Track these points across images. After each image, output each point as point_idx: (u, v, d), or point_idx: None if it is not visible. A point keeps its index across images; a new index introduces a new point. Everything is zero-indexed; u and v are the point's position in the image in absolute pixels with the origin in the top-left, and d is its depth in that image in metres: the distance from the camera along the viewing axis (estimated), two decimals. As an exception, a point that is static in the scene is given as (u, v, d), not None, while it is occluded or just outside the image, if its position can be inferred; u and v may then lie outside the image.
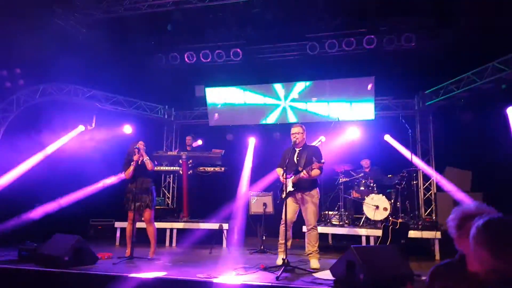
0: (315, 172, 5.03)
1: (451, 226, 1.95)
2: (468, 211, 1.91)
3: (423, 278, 4.94)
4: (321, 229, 6.96)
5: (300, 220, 5.38)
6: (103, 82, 8.63)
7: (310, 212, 5.16)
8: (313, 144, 7.95)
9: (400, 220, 5.52)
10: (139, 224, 6.24)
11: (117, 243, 7.30)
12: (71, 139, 8.42)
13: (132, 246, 5.49)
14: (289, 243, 5.14)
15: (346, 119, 8.55)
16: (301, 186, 5.16)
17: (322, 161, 4.88)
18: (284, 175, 4.97)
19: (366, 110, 8.59)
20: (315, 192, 5.21)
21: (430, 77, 8.04)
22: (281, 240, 5.15)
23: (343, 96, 8.68)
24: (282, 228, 5.15)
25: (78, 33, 8.08)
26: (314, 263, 5.08)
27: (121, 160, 5.96)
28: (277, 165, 5.50)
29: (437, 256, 6.07)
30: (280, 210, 5.22)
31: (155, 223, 5.88)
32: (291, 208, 5.16)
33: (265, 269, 4.78)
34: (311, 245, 5.20)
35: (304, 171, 5.00)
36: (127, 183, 5.74)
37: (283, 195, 5.17)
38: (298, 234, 6.44)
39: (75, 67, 7.38)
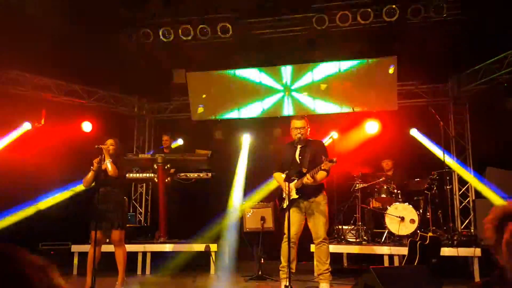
0: (321, 175, 5.10)
1: (489, 229, 1.88)
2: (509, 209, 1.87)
3: None
4: (334, 248, 7.05)
5: (306, 238, 5.46)
6: (55, 68, 8.59)
7: (319, 223, 5.24)
8: (323, 140, 8.09)
9: (430, 234, 5.63)
10: (104, 248, 6.25)
11: (75, 271, 7.28)
12: (13, 140, 8.44)
13: (94, 275, 5.48)
14: (293, 265, 5.22)
15: (362, 109, 8.64)
16: (306, 192, 5.24)
17: (334, 159, 4.86)
18: (286, 182, 5.00)
19: (387, 98, 8.70)
20: (322, 198, 5.31)
21: (467, 55, 8.15)
22: (284, 261, 5.22)
23: (359, 82, 8.80)
24: (284, 246, 5.20)
25: (23, 5, 8.09)
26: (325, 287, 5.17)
27: (79, 167, 5.97)
28: (274, 168, 5.56)
29: (477, 278, 6.17)
30: (282, 225, 5.30)
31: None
32: (295, 220, 5.20)
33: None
34: (321, 263, 5.27)
35: (308, 176, 5.06)
36: (89, 195, 5.76)
37: (284, 204, 5.24)
38: (305, 255, 6.53)
39: (19, 48, 7.38)
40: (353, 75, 8.83)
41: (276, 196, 5.80)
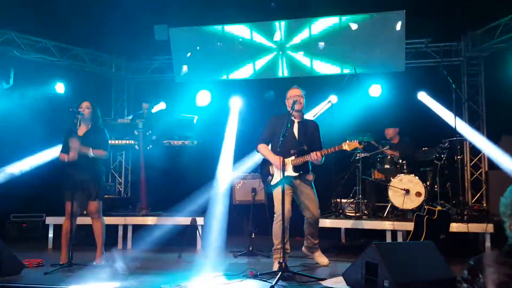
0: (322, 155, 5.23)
1: (504, 214, 2.02)
2: None
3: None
4: (332, 223, 7.08)
5: (299, 214, 5.52)
6: (23, 21, 8.40)
7: (314, 199, 5.41)
8: (321, 107, 8.00)
9: (438, 208, 5.59)
10: (81, 220, 6.22)
11: (50, 245, 7.28)
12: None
13: (70, 249, 5.47)
14: (288, 246, 5.24)
15: (365, 71, 8.50)
16: (302, 169, 5.32)
17: (363, 142, 5.21)
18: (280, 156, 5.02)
19: (393, 58, 8.59)
20: (312, 174, 5.45)
21: (482, 10, 7.99)
22: (278, 243, 5.22)
23: (362, 39, 8.63)
24: (277, 226, 5.20)
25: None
26: (321, 257, 5.51)
27: (52, 133, 5.88)
28: (260, 139, 5.50)
29: (488, 256, 6.19)
30: (271, 202, 5.37)
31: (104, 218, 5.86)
32: (286, 199, 5.16)
33: (255, 276, 4.84)
34: (314, 237, 5.56)
35: (318, 153, 5.11)
36: (64, 164, 5.67)
37: (273, 180, 5.27)
38: (298, 231, 6.50)
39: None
40: (356, 31, 8.65)
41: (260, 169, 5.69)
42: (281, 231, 5.04)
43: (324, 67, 8.97)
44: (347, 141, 5.01)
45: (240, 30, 9.14)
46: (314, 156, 5.12)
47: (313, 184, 5.45)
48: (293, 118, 5.35)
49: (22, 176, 8.25)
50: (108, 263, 5.59)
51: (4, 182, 8.00)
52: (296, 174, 5.27)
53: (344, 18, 8.65)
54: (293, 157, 5.18)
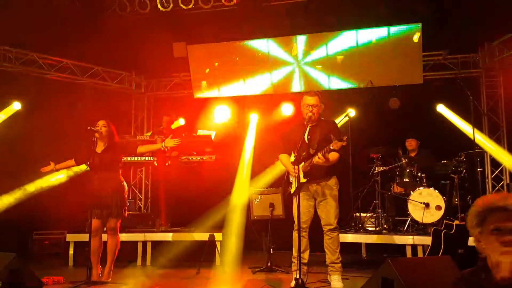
0: (334, 156, 5.04)
1: (470, 223, 2.19)
2: (491, 202, 2.12)
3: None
4: (351, 238, 7.05)
5: (320, 226, 5.39)
6: (43, 43, 8.58)
7: (330, 208, 5.22)
8: (338, 120, 8.00)
9: (456, 222, 5.53)
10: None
11: (71, 262, 7.37)
12: (1, 121, 8.48)
13: (89, 266, 5.51)
14: (306, 255, 5.23)
15: (382, 83, 8.49)
16: (316, 175, 5.20)
17: (344, 138, 4.78)
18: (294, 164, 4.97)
19: (410, 70, 8.52)
20: (335, 182, 5.29)
21: (500, 22, 7.91)
22: (295, 252, 5.19)
23: (379, 52, 8.62)
24: (295, 235, 5.18)
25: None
26: (336, 281, 5.16)
27: (73, 149, 5.99)
28: (280, 150, 5.53)
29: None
30: (291, 212, 5.26)
31: (120, 234, 5.91)
32: (304, 207, 5.19)
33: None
34: (331, 251, 5.26)
35: (320, 154, 4.97)
36: (85, 181, 5.76)
37: (292, 189, 5.22)
38: (318, 245, 6.49)
39: (3, 21, 7.35)
40: (373, 45, 8.63)
41: (283, 180, 5.72)
42: (296, 240, 5.01)
43: (340, 82, 8.95)
44: (335, 141, 4.75)
45: (257, 44, 9.18)
46: (316, 159, 5.01)
47: (334, 191, 5.26)
48: (306, 124, 5.32)
49: (44, 193, 8.36)
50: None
51: (27, 199, 8.11)
52: (305, 180, 5.17)
53: (360, 32, 8.64)
54: (302, 163, 5.11)
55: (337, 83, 8.99)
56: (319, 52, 8.92)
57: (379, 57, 8.67)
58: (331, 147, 4.82)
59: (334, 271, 5.24)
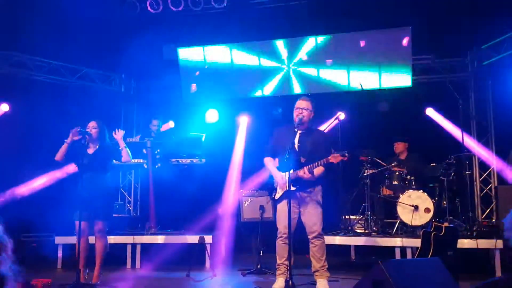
0: (319, 171, 5.10)
1: (508, 229, 2.00)
2: None
3: None
4: (341, 240, 7.05)
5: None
6: (32, 44, 8.53)
7: (315, 215, 5.19)
8: (329, 123, 8.01)
9: (445, 225, 5.56)
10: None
11: (59, 265, 7.30)
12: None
13: (78, 269, 5.46)
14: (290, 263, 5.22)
15: (372, 87, 8.53)
16: (304, 184, 5.16)
17: (346, 153, 4.82)
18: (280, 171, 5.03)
19: (399, 74, 8.58)
20: (319, 189, 5.29)
21: (489, 26, 7.98)
22: (280, 259, 5.23)
23: (369, 56, 8.67)
24: (280, 243, 5.23)
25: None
26: (322, 285, 5.14)
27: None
28: (265, 152, 5.50)
29: (498, 273, 6.13)
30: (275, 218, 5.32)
31: (109, 237, 5.90)
32: (290, 214, 5.07)
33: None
34: (316, 259, 5.23)
35: (306, 170, 5.01)
36: (74, 182, 5.72)
37: (277, 195, 5.24)
38: (307, 248, 6.50)
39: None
40: (363, 47, 8.67)
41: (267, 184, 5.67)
42: (282, 248, 5.08)
43: (331, 74, 8.96)
44: (334, 154, 4.86)
45: (248, 47, 9.20)
46: (301, 173, 5.03)
47: (319, 197, 5.26)
48: (294, 129, 5.30)
49: (32, 195, 8.30)
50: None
51: (14, 203, 8.05)
52: (294, 188, 5.10)
53: (347, 35, 8.71)
54: (291, 171, 5.07)
55: (327, 76, 9.00)
56: (309, 55, 8.95)
57: (368, 59, 8.71)
58: (329, 159, 4.87)
59: (319, 276, 5.21)
